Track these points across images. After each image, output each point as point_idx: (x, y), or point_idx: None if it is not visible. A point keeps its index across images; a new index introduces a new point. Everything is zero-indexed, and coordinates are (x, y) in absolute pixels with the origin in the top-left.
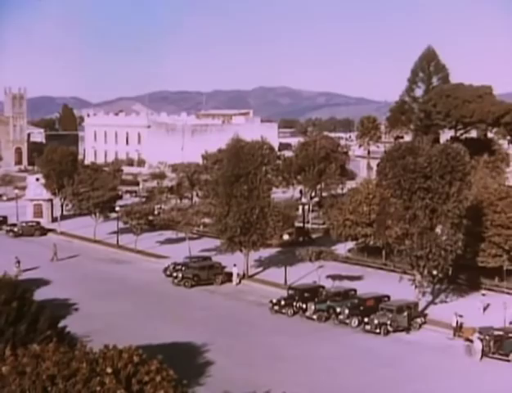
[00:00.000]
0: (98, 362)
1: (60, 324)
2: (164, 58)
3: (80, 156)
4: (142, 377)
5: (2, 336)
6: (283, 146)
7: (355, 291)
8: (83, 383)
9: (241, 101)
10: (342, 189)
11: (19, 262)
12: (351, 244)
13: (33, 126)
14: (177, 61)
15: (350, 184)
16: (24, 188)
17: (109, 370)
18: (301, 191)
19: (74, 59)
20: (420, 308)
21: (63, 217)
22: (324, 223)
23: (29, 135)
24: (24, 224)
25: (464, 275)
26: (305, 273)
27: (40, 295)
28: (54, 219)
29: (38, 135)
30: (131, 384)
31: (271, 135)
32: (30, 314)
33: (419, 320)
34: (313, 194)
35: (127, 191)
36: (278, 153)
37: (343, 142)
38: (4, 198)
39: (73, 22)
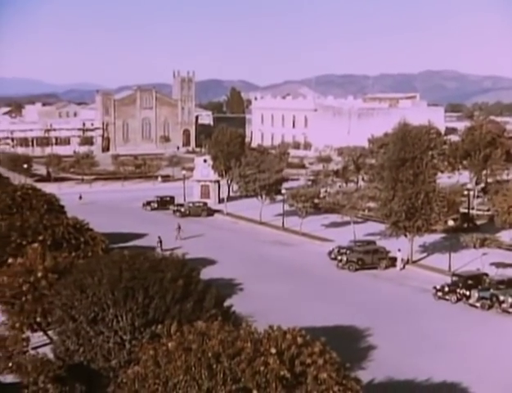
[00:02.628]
0: (262, 342)
1: (226, 303)
2: (331, 42)
3: (247, 139)
4: (305, 359)
5: (168, 313)
6: (449, 131)
7: None
8: (247, 362)
9: (407, 84)
10: (507, 175)
11: (161, 242)
12: None
13: (201, 108)
14: (343, 45)
15: None
16: (191, 169)
17: (273, 350)
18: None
19: (241, 43)
20: None
21: (229, 198)
22: (489, 210)
23: (197, 117)
24: (191, 205)
25: None
26: (469, 259)
27: (206, 274)
28: (221, 200)
29: (206, 117)
30: (294, 365)
31: (437, 119)
32: (196, 293)
33: None
34: (478, 180)
35: None
36: (444, 138)
37: (509, 127)
38: (159, 180)
39: (240, 8)
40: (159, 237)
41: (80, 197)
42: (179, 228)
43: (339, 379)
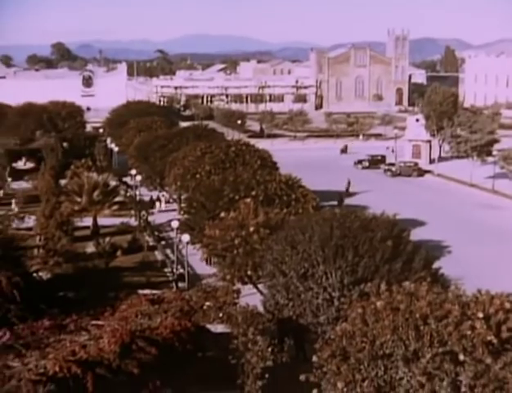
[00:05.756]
0: (470, 306)
1: (434, 265)
2: None
3: (460, 98)
4: None
5: (377, 273)
6: None
7: None
8: (454, 325)
9: None
10: None
11: (341, 200)
12: None
13: (414, 67)
14: None
15: None
16: (403, 129)
17: (480, 315)
18: None
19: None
20: None
21: (440, 159)
22: None
23: (410, 76)
24: (402, 164)
25: None
26: None
27: (416, 235)
28: (431, 161)
29: (419, 76)
30: (500, 331)
31: None
32: (406, 253)
33: None
34: None
35: None
36: None
37: None
38: (360, 138)
39: None
40: (341, 195)
41: None
42: (349, 183)
43: None
